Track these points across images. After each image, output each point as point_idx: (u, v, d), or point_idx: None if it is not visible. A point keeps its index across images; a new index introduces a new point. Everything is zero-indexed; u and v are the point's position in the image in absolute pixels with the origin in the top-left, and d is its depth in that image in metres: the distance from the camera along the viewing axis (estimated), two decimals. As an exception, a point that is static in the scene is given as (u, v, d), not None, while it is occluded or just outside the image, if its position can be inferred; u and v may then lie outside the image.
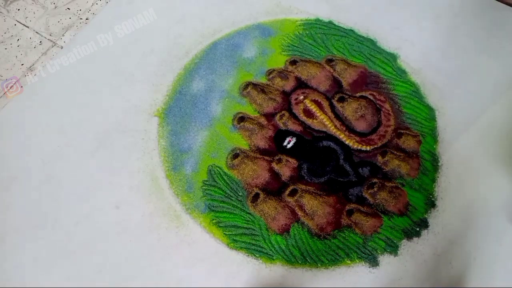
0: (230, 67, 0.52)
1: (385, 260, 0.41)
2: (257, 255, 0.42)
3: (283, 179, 0.45)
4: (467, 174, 0.44)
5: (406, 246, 0.41)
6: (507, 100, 0.48)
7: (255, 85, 0.50)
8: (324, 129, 0.48)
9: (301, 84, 0.50)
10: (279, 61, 0.52)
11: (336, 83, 0.50)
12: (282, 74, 0.51)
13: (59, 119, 0.50)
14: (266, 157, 0.46)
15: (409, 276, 0.40)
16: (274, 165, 0.46)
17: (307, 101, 0.49)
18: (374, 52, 0.52)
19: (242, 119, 0.49)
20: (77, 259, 0.42)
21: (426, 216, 0.43)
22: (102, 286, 0.41)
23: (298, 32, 0.54)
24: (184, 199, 0.45)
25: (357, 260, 0.41)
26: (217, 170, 0.46)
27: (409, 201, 0.43)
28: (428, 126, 0.47)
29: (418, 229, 0.42)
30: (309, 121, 0.48)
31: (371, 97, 0.49)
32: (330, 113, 0.48)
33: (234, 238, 0.43)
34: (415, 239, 0.42)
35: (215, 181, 0.45)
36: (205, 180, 0.46)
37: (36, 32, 0.57)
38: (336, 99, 0.49)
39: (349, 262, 0.41)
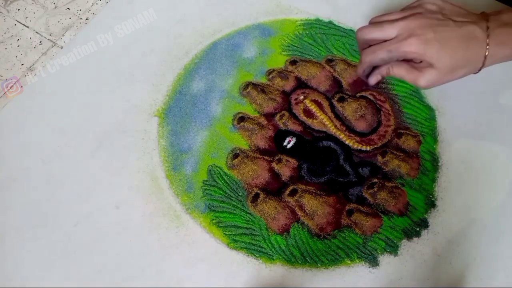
0: (230, 67, 0.52)
1: (385, 260, 0.41)
2: (257, 255, 0.42)
3: (283, 179, 0.45)
4: (467, 174, 0.44)
5: (406, 246, 0.41)
6: (507, 100, 0.48)
7: (255, 85, 0.50)
8: (324, 129, 0.48)
9: (301, 84, 0.50)
10: (279, 61, 0.52)
11: (336, 83, 0.50)
12: (282, 74, 0.51)
13: (59, 119, 0.50)
14: (266, 157, 0.46)
15: (409, 276, 0.40)
16: (274, 165, 0.46)
17: (307, 101, 0.49)
18: (374, 52, 0.52)
19: (242, 119, 0.49)
20: (77, 259, 0.42)
21: (426, 216, 0.43)
22: (102, 286, 0.41)
23: (298, 32, 0.54)
24: (184, 199, 0.45)
25: (357, 260, 0.41)
26: (217, 170, 0.46)
27: (409, 201, 0.43)
28: (428, 126, 0.47)
29: (418, 229, 0.42)
30: (309, 121, 0.48)
31: (371, 97, 0.49)
32: (330, 113, 0.48)
33: (234, 238, 0.43)
34: (415, 239, 0.42)
35: (215, 181, 0.45)
36: (205, 180, 0.46)
37: (36, 32, 0.57)
38: (336, 99, 0.49)
39: (349, 262, 0.41)
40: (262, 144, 0.47)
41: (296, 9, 0.55)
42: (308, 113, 0.49)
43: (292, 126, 0.48)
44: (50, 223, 0.44)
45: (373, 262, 0.41)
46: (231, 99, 0.50)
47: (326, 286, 0.40)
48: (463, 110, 0.47)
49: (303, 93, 0.50)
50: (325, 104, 0.49)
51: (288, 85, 0.50)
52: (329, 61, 0.51)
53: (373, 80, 0.43)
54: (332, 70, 0.51)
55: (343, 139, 0.47)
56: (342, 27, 0.54)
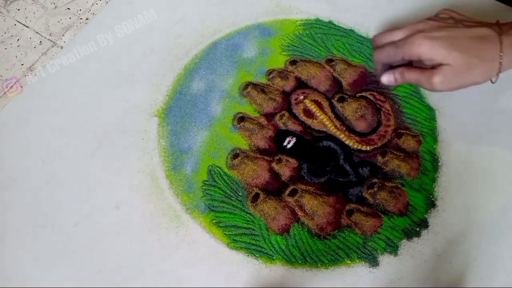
0: (230, 67, 0.52)
1: (385, 260, 0.41)
2: (257, 255, 0.42)
3: (283, 179, 0.45)
4: (467, 174, 0.44)
5: (406, 246, 0.41)
6: (507, 100, 0.48)
7: (255, 85, 0.50)
8: (324, 129, 0.48)
9: (301, 84, 0.50)
10: (279, 61, 0.52)
11: (336, 83, 0.50)
12: (282, 74, 0.51)
13: (59, 119, 0.50)
14: (266, 157, 0.46)
15: (409, 276, 0.40)
16: (274, 165, 0.46)
17: (307, 101, 0.49)
18: (374, 52, 0.52)
19: (242, 119, 0.49)
20: (77, 259, 0.42)
21: (426, 216, 0.43)
22: (102, 286, 0.41)
23: (298, 32, 0.54)
24: (184, 199, 0.45)
25: (357, 260, 0.41)
26: (217, 170, 0.46)
27: (409, 201, 0.43)
28: (428, 126, 0.47)
29: (418, 229, 0.42)
30: (309, 121, 0.48)
31: (371, 97, 0.49)
32: (330, 113, 0.48)
33: (234, 238, 0.43)
34: (415, 239, 0.42)
35: (215, 181, 0.45)
36: (205, 180, 0.46)
37: (36, 32, 0.57)
38: (336, 99, 0.49)
39: (349, 262, 0.41)
40: (262, 144, 0.47)
41: (296, 9, 0.55)
42: (308, 113, 0.49)
43: (292, 126, 0.48)
44: (50, 223, 0.44)
45: (373, 262, 0.41)
46: (231, 99, 0.50)
47: (326, 286, 0.40)
48: (463, 110, 0.47)
49: (303, 93, 0.50)
50: (325, 104, 0.49)
51: (288, 85, 0.50)
52: (329, 61, 0.51)
53: (385, 78, 0.43)
54: (332, 70, 0.51)
55: (343, 139, 0.47)
56: (342, 27, 0.54)
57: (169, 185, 0.45)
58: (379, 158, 0.45)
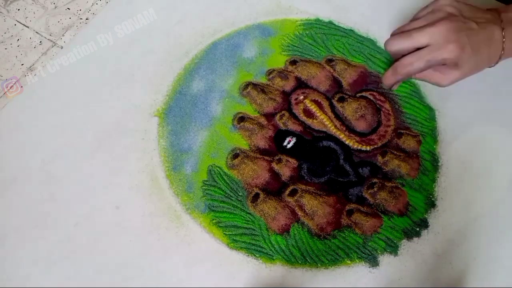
0: (230, 67, 0.52)
1: (385, 260, 0.41)
2: (257, 255, 0.42)
3: (283, 179, 0.45)
4: (467, 174, 0.44)
5: (406, 246, 0.41)
6: (507, 100, 0.48)
7: (255, 85, 0.50)
8: (324, 129, 0.48)
9: (301, 84, 0.50)
10: (279, 61, 0.52)
11: (336, 83, 0.50)
12: (282, 74, 0.51)
13: (59, 119, 0.50)
14: (266, 157, 0.46)
15: (409, 276, 0.40)
16: (274, 165, 0.46)
17: (307, 101, 0.49)
18: (374, 52, 0.52)
19: (242, 119, 0.49)
20: (77, 259, 0.42)
21: (426, 216, 0.43)
22: (102, 286, 0.41)
23: (298, 32, 0.54)
24: (184, 199, 0.45)
25: (357, 260, 0.41)
26: (217, 170, 0.46)
27: (409, 201, 0.43)
28: (428, 126, 0.47)
29: (418, 229, 0.42)
30: (309, 121, 0.48)
31: (371, 97, 0.49)
32: (330, 113, 0.48)
33: (234, 238, 0.43)
34: (415, 239, 0.42)
35: (215, 181, 0.45)
36: (205, 180, 0.46)
37: (36, 32, 0.57)
38: (336, 99, 0.49)
39: (349, 262, 0.41)
40: (262, 144, 0.47)
41: (296, 9, 0.55)
42: (308, 113, 0.49)
43: (292, 126, 0.48)
44: (50, 223, 0.44)
45: (373, 262, 0.41)
46: (231, 99, 0.50)
47: (326, 286, 0.40)
48: (463, 110, 0.47)
49: (303, 93, 0.50)
50: (325, 104, 0.49)
51: (288, 85, 0.50)
52: (329, 61, 0.51)
53: (396, 86, 0.45)
54: (332, 70, 0.51)
55: (343, 139, 0.47)
56: (342, 27, 0.54)
57: (169, 185, 0.45)
58: (379, 158, 0.45)
